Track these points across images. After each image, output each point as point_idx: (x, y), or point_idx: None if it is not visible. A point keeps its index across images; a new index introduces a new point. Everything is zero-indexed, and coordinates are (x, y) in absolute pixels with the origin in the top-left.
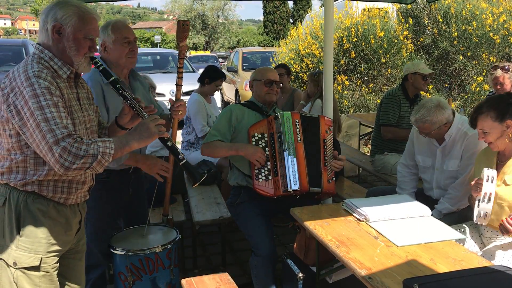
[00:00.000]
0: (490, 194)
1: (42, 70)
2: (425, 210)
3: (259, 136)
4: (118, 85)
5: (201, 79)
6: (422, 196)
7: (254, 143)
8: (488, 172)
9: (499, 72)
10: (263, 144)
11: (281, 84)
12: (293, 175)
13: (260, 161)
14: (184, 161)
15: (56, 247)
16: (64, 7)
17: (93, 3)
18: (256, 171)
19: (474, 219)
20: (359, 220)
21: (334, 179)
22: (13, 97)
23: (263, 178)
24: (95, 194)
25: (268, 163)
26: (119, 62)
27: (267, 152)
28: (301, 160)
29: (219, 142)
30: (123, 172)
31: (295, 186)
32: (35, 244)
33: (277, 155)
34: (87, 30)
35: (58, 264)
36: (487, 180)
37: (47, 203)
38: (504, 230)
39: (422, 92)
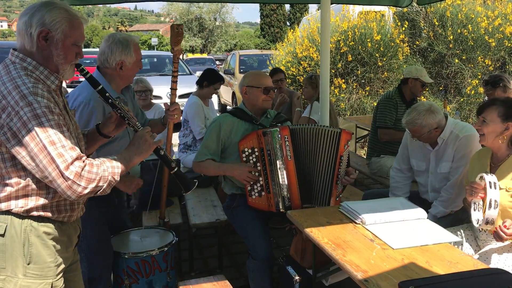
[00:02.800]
0: (496, 200)
1: (37, 85)
2: (421, 213)
3: (249, 151)
4: (107, 93)
5: (199, 82)
6: (417, 199)
7: (244, 158)
8: (490, 178)
9: (499, 92)
10: (254, 159)
11: (276, 90)
12: (284, 194)
13: (248, 181)
14: (175, 169)
15: (62, 267)
16: (53, 11)
17: (90, 5)
18: (249, 187)
19: (475, 224)
20: (355, 223)
21: (340, 196)
22: (6, 118)
23: (256, 194)
24: (88, 203)
25: (261, 178)
26: (130, 80)
27: (259, 167)
28: (293, 179)
29: (209, 161)
30: None
31: (286, 207)
32: (44, 270)
33: (268, 172)
34: (77, 37)
35: (64, 285)
36: (491, 187)
37: (52, 225)
38: (497, 237)
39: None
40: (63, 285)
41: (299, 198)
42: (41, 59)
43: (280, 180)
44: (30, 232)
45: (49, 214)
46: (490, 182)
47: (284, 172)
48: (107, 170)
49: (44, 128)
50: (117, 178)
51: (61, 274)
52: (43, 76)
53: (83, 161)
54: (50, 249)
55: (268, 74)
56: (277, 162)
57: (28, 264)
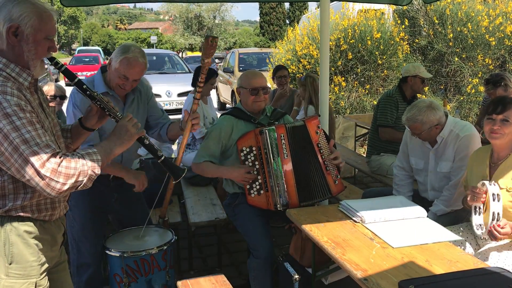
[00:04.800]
0: (499, 213)
1: (5, 83)
2: (421, 211)
3: (247, 150)
4: (84, 86)
5: (193, 82)
6: (417, 198)
7: (243, 157)
8: (493, 189)
9: (500, 91)
10: (252, 158)
11: (269, 89)
12: (282, 193)
13: (246, 182)
14: (162, 158)
15: (45, 266)
16: (20, 4)
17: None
18: (248, 186)
19: (475, 229)
20: (355, 221)
21: (338, 176)
22: None
23: (255, 192)
24: (77, 192)
25: (259, 177)
26: (112, 83)
27: (257, 166)
28: (290, 177)
29: (207, 163)
30: (101, 176)
31: (284, 205)
32: (27, 269)
33: (266, 171)
34: (47, 30)
35: (48, 283)
36: (494, 199)
37: (33, 224)
38: (491, 236)
39: (418, 94)
40: (48, 284)
41: (297, 197)
42: (12, 56)
43: (278, 179)
44: (10, 232)
45: (29, 214)
46: (493, 194)
47: (281, 171)
48: (86, 164)
49: (16, 127)
50: (98, 171)
51: (45, 273)
52: (14, 73)
53: (60, 157)
54: (32, 248)
55: (267, 72)
56: (274, 160)
57: (10, 264)
